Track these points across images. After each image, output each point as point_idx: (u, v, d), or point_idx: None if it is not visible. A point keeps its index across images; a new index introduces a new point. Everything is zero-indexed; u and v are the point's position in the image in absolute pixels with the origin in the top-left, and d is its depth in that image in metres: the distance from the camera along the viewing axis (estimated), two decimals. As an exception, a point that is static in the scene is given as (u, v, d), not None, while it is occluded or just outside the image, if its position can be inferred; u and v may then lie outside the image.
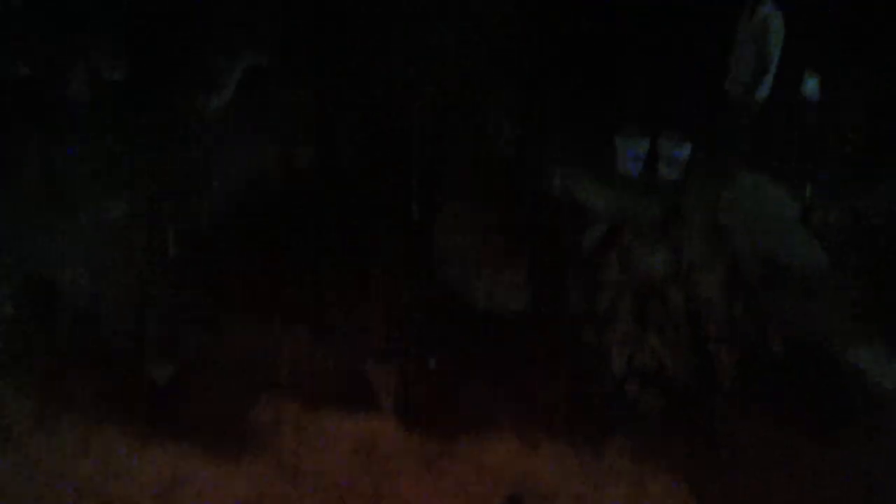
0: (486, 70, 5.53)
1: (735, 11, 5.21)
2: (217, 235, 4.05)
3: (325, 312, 3.73)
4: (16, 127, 5.06)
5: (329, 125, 4.76)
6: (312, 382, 3.45)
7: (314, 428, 3.27)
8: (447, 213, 4.32)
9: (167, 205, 4.19)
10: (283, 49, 5.34)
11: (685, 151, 5.30)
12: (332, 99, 5.12)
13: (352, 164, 4.46)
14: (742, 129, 5.30)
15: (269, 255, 3.91)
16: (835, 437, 3.98)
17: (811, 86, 6.56)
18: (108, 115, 5.00)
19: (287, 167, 4.45)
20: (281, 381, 3.43)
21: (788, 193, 5.54)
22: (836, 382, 4.35)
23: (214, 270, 3.85)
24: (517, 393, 3.65)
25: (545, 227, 4.45)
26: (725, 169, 5.45)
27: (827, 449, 3.90)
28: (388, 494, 3.11)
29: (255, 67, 5.29)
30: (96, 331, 3.61)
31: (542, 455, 3.47)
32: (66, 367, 3.44)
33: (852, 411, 4.18)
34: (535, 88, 5.58)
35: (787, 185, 5.65)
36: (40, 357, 3.48)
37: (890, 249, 5.26)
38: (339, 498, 3.05)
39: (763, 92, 5.20)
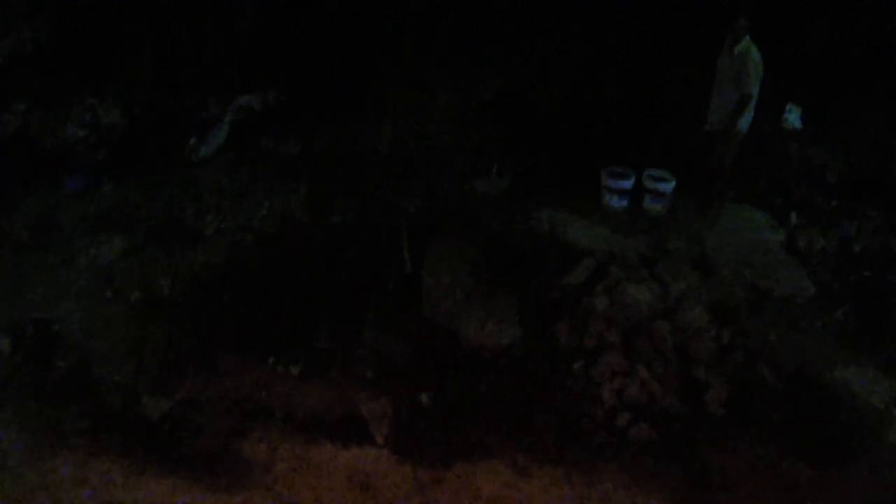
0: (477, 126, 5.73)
1: (715, 47, 5.35)
2: (212, 277, 4.19)
3: (318, 350, 3.82)
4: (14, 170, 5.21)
5: (322, 179, 4.92)
6: (306, 417, 3.53)
7: (309, 461, 3.32)
8: (437, 249, 4.45)
9: (162, 247, 4.36)
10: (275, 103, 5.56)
11: (670, 185, 5.46)
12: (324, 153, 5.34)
13: (344, 213, 4.61)
14: (725, 162, 5.43)
15: (263, 295, 4.03)
16: (830, 460, 4.00)
17: (793, 116, 6.79)
18: (104, 157, 5.18)
19: (282, 216, 4.61)
20: (275, 415, 3.51)
21: (773, 222, 5.69)
22: (827, 405, 4.38)
23: (209, 310, 3.97)
24: (510, 424, 3.70)
25: (534, 264, 4.56)
26: (711, 201, 5.61)
27: (822, 472, 3.92)
28: (382, 525, 3.16)
29: (247, 110, 5.48)
30: (91, 367, 3.70)
31: (535, 483, 3.50)
32: (62, 402, 3.51)
33: (846, 432, 4.21)
34: (524, 138, 5.78)
35: (772, 213, 5.82)
36: (37, 392, 3.55)
37: (874, 273, 5.37)
38: (333, 529, 3.10)
39: (745, 125, 5.34)
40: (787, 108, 6.73)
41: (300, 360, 3.74)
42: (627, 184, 5.39)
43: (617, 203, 5.41)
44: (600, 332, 4.26)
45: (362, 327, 3.94)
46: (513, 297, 4.29)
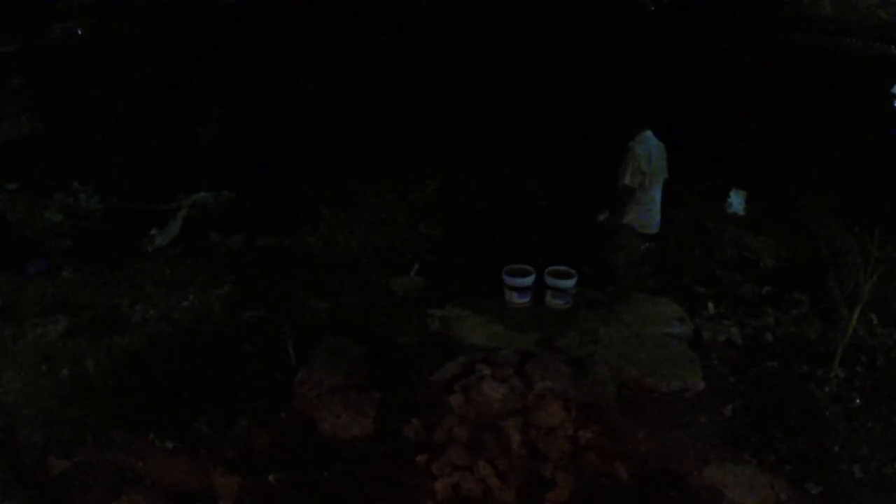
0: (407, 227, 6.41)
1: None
2: (129, 360, 5.06)
3: (195, 431, 4.56)
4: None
5: (249, 276, 5.84)
6: (169, 484, 4.26)
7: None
8: (323, 346, 5.17)
9: (96, 331, 5.29)
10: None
11: (571, 282, 5.75)
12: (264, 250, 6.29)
13: (257, 309, 5.49)
14: (620, 256, 5.63)
15: (164, 380, 4.87)
16: None
17: (736, 202, 6.76)
18: (68, 245, 6.29)
19: (201, 309, 5.54)
20: (144, 482, 4.27)
21: (685, 314, 5.72)
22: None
23: (117, 389, 4.83)
24: None
25: (412, 363, 5.11)
26: (614, 296, 5.80)
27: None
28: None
29: (202, 206, 6.52)
30: (16, 429, 4.55)
31: None
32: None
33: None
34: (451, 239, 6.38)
35: (689, 304, 5.85)
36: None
37: (781, 363, 5.22)
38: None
39: (640, 221, 5.47)
40: (731, 193, 6.74)
41: (175, 437, 4.48)
42: (526, 281, 5.74)
43: (518, 300, 5.77)
44: (451, 428, 4.69)
45: (237, 414, 4.63)
46: (376, 393, 4.87)
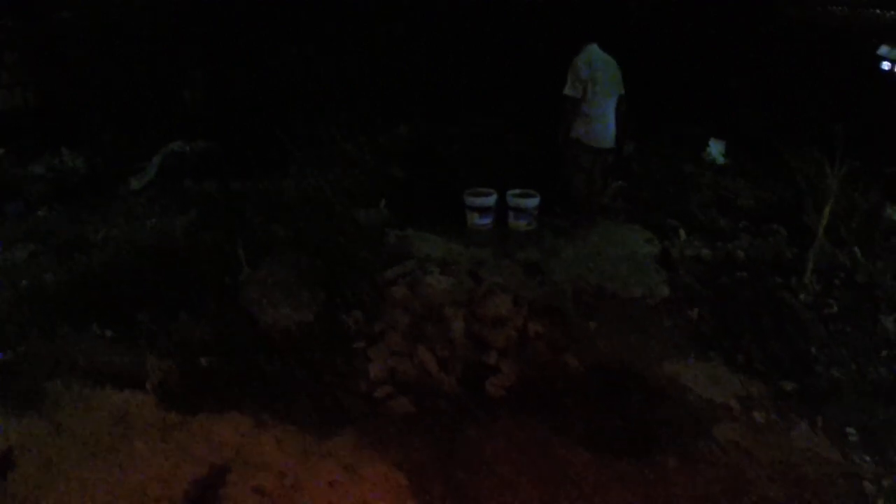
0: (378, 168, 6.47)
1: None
2: (87, 273, 5.09)
3: (137, 323, 4.54)
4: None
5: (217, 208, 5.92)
6: (102, 368, 4.19)
7: (89, 399, 3.94)
8: (276, 256, 5.10)
9: (60, 253, 5.47)
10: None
11: (533, 201, 5.64)
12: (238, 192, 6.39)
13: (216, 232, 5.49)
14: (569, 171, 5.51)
15: (118, 285, 4.84)
16: (624, 451, 3.71)
17: (715, 151, 6.62)
18: (45, 190, 6.65)
19: (163, 232, 5.61)
20: (79, 365, 4.23)
21: (654, 238, 5.50)
22: (644, 398, 4.07)
23: (71, 294, 4.85)
24: (270, 388, 4.02)
25: (360, 269, 4.98)
26: (577, 216, 5.63)
27: (607, 461, 3.63)
28: (124, 450, 3.68)
29: (179, 154, 6.72)
30: None
31: (267, 435, 3.72)
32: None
33: (658, 425, 3.87)
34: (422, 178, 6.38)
35: (661, 233, 5.62)
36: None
37: (752, 274, 4.91)
38: (88, 450, 3.66)
39: (586, 133, 5.38)
40: (710, 142, 6.61)
41: (115, 328, 4.47)
42: (487, 201, 5.64)
43: (479, 221, 5.67)
44: (392, 318, 4.49)
45: (180, 308, 4.59)
46: (321, 291, 4.70)
